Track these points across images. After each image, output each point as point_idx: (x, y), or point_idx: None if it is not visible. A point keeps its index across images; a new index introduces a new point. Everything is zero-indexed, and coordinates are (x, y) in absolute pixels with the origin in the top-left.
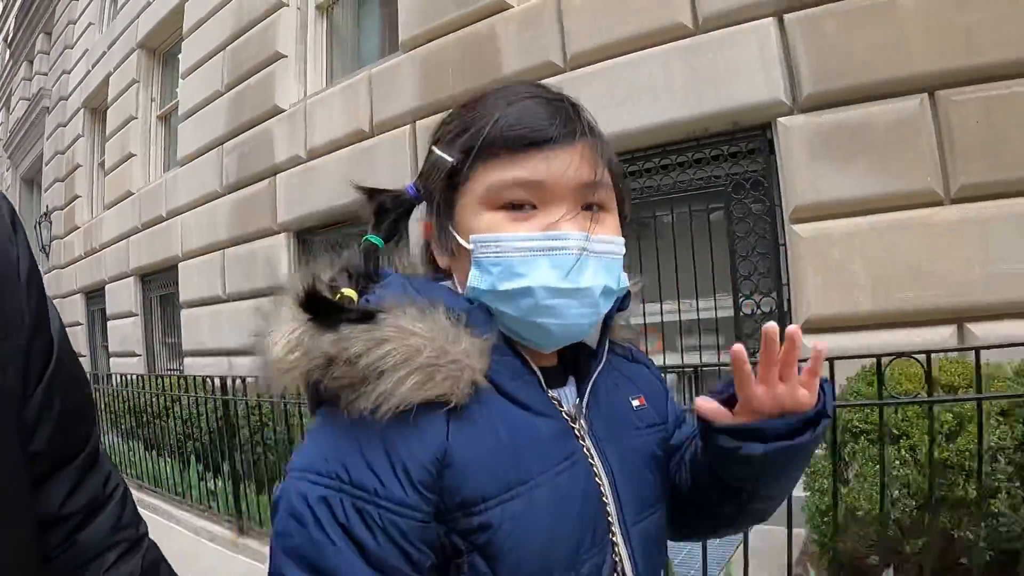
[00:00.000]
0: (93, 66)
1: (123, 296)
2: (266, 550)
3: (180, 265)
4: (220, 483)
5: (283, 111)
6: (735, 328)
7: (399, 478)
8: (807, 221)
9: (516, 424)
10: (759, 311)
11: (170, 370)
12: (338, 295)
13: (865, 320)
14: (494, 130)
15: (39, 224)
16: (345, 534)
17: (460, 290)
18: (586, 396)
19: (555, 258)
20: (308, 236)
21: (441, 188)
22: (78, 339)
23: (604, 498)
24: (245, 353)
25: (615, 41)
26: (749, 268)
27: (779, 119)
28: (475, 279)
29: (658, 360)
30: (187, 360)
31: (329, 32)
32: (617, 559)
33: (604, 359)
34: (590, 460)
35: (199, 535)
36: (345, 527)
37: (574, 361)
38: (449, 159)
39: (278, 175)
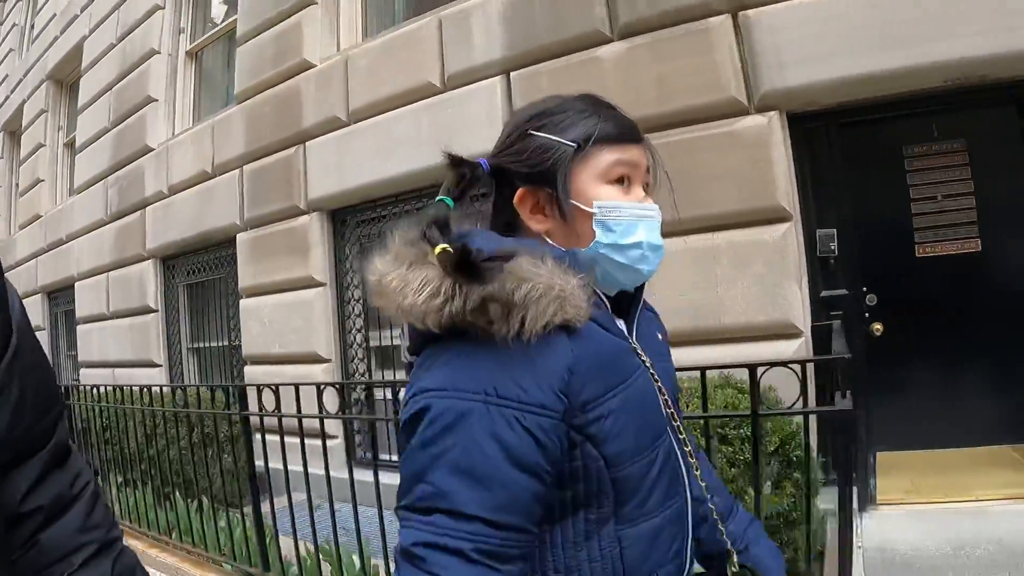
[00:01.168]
0: (12, 92)
1: (33, 312)
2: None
3: (76, 284)
4: None
5: (152, 150)
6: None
7: (540, 385)
8: None
9: (607, 343)
10: None
11: (72, 380)
12: (439, 249)
13: None
14: (607, 125)
15: None
16: (492, 438)
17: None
18: (635, 326)
19: (648, 223)
20: (171, 261)
21: (562, 164)
22: None
23: (664, 396)
24: (126, 365)
25: (384, 98)
26: None
27: None
28: (601, 235)
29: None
30: (83, 371)
31: (198, 76)
32: (674, 445)
33: (642, 300)
34: (650, 371)
35: None
36: (493, 433)
37: (617, 304)
38: (570, 142)
39: (147, 208)
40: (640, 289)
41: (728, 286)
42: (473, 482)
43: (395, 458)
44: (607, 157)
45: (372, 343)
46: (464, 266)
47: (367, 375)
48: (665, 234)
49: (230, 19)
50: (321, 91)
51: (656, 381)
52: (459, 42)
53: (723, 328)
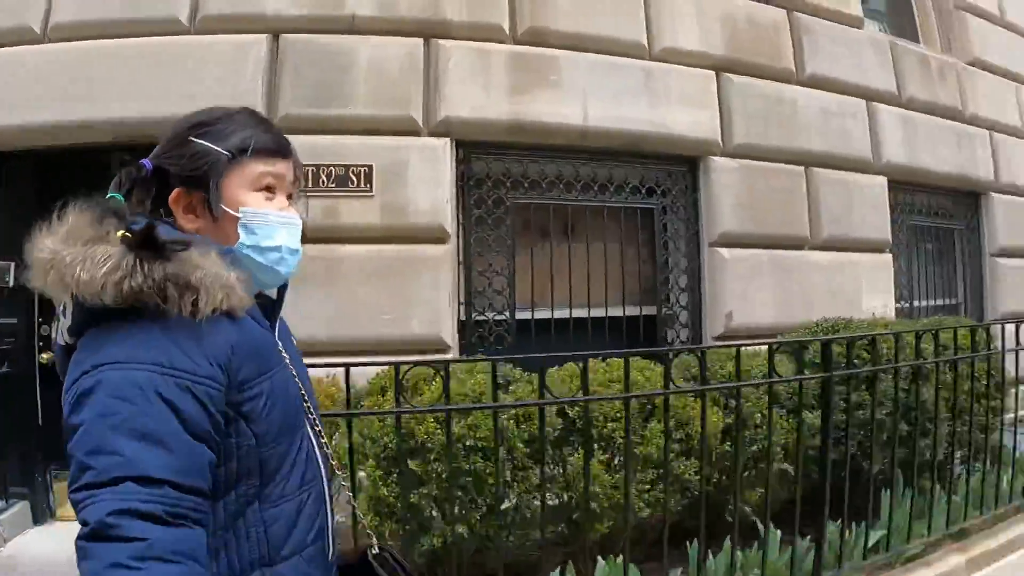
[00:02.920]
0: None
1: None
2: None
3: None
4: None
5: None
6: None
7: (208, 359)
8: None
9: (259, 333)
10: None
11: None
12: (121, 233)
13: None
14: (261, 139)
15: None
16: (168, 406)
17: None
18: (276, 327)
19: (289, 228)
20: None
21: (215, 170)
22: None
23: (301, 391)
24: None
25: None
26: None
27: None
28: (244, 237)
29: None
30: None
31: None
32: (310, 436)
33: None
34: (290, 367)
35: None
36: (169, 400)
37: (260, 307)
38: (225, 152)
39: None
40: (282, 295)
41: None
42: (156, 446)
43: None
44: (256, 168)
45: None
46: (149, 244)
47: None
48: None
49: None
50: None
51: (295, 376)
52: None
53: None
